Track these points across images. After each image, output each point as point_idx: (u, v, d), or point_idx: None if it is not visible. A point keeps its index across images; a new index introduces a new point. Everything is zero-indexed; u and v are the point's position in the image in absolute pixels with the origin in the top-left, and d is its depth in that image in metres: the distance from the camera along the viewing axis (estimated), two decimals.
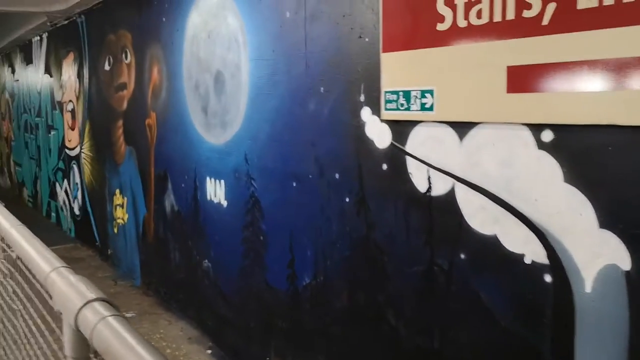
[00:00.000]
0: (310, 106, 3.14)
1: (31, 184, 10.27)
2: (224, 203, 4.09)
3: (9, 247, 1.79)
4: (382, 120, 2.64)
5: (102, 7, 6.08)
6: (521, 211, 2.07)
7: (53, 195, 8.89)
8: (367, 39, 2.72)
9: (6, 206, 2.34)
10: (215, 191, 4.19)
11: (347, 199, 2.92)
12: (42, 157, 9.33)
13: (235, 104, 3.84)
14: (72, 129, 7.56)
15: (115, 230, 6.30)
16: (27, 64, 9.88)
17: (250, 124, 3.71)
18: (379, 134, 2.69)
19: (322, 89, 3.05)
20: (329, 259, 3.10)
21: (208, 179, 4.27)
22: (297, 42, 3.21)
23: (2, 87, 12.41)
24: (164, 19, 4.76)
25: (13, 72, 11.22)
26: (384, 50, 2.57)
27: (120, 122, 5.92)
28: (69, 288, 1.17)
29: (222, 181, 4.09)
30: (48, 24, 7.48)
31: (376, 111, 2.68)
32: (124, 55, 5.65)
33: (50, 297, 1.26)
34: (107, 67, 6.14)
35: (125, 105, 5.75)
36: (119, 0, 5.64)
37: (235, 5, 3.76)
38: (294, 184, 3.33)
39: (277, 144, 3.45)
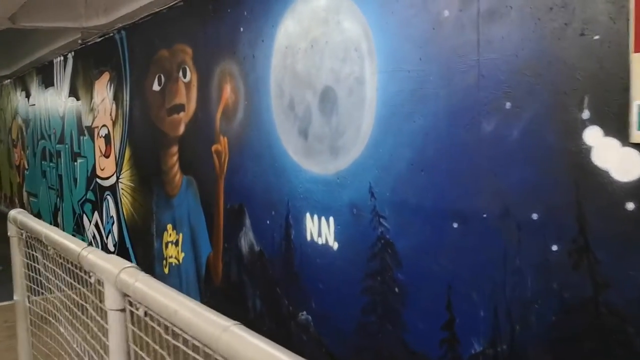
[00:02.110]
0: (486, 126, 2.46)
1: (50, 215, 9.53)
2: (334, 245, 3.39)
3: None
4: (629, 144, 1.97)
5: (151, 21, 5.42)
6: None
7: (78, 228, 8.15)
8: (596, 37, 2.05)
9: None
10: (320, 230, 3.49)
11: (555, 247, 2.24)
12: (65, 187, 8.60)
13: (353, 125, 3.16)
14: (107, 156, 6.85)
15: (166, 271, 5.57)
16: (47, 87, 9.19)
17: (378, 149, 3.03)
18: (620, 162, 2.01)
19: (507, 104, 2.37)
20: (520, 324, 2.40)
21: (308, 215, 3.57)
22: (463, 46, 2.54)
23: (14, 112, 11.70)
24: (241, 29, 4.10)
25: (28, 96, 10.53)
26: (638, 50, 1.91)
27: (175, 149, 5.23)
28: None
29: (331, 218, 3.39)
30: (79, 42, 6.82)
31: (615, 132, 2.01)
32: (181, 73, 4.98)
33: None
34: (156, 87, 5.45)
35: (182, 129, 5.06)
36: (176, 12, 4.98)
37: (356, 7, 3.10)
38: (455, 225, 2.64)
39: (426, 174, 2.77)
